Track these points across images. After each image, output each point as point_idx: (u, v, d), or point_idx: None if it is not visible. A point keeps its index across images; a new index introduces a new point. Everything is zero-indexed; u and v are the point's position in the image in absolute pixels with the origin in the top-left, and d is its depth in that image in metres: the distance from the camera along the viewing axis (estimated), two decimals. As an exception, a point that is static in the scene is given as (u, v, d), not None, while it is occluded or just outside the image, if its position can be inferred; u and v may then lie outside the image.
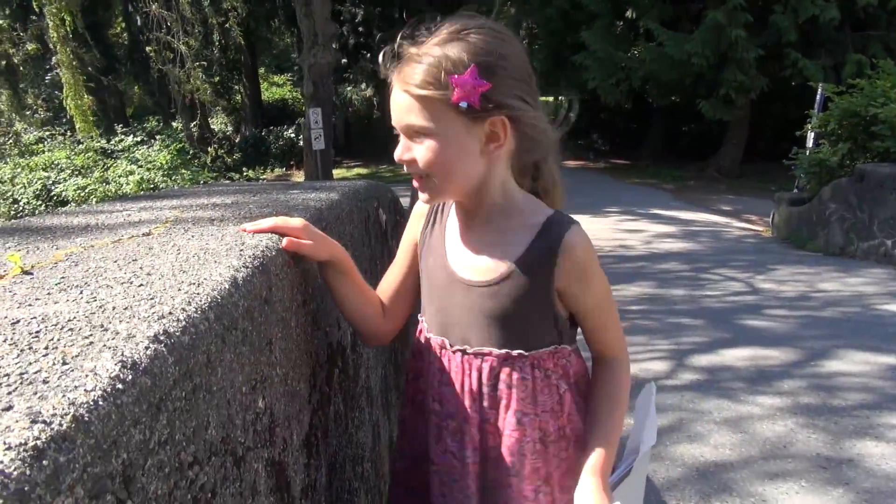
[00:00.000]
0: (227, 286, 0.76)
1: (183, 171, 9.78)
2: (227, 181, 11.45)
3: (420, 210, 1.23)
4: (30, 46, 7.89)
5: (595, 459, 1.07)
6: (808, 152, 9.01)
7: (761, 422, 3.19)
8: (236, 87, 20.21)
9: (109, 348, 0.54)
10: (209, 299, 0.70)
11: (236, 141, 17.80)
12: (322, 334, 1.29)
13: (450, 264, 1.12)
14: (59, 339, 0.56)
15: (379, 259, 2.36)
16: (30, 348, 0.54)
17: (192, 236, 1.04)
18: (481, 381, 1.11)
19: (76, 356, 0.52)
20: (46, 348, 0.54)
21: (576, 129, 21.24)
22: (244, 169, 12.41)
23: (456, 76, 0.94)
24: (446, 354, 1.14)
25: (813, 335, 4.56)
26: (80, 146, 14.13)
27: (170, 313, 0.63)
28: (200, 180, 10.05)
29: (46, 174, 12.90)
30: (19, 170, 13.18)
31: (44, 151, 14.00)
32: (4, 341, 0.56)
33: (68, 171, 12.97)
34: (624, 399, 1.15)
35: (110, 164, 12.90)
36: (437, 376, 1.15)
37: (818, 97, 9.11)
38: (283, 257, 1.01)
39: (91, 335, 0.57)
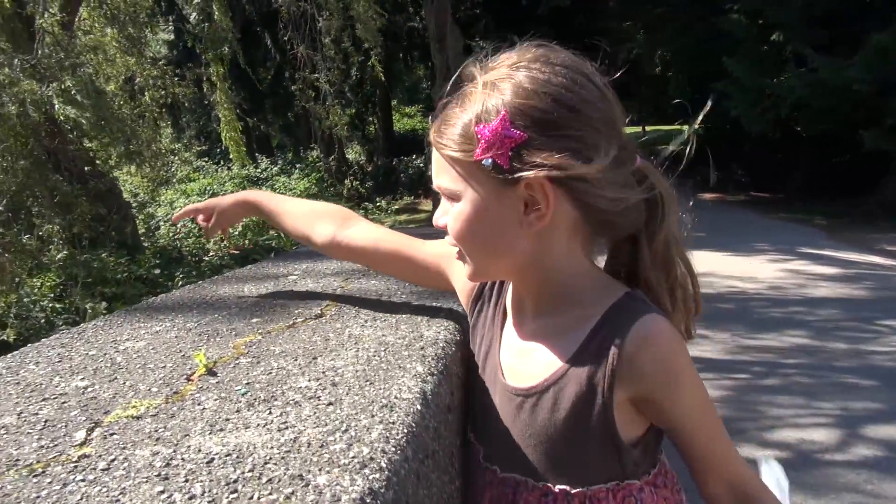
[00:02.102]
0: (418, 406, 0.68)
1: (321, 200, 10.24)
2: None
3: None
4: (186, 90, 8.63)
5: None
6: None
7: (964, 518, 2.73)
8: (370, 118, 21.13)
9: (315, 519, 0.47)
10: (405, 430, 0.62)
11: (368, 170, 18.54)
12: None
13: (498, 357, 0.88)
14: (258, 499, 0.49)
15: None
16: (231, 513, 0.48)
17: (366, 321, 0.98)
18: None
19: (282, 532, 0.45)
20: (248, 513, 0.48)
21: (714, 161, 20.12)
22: (377, 199, 12.83)
23: (482, 126, 0.72)
24: (482, 468, 0.88)
25: None
26: (229, 173, 15.35)
27: (371, 458, 0.55)
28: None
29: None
30: (177, 195, 14.50)
31: (198, 179, 15.33)
32: (203, 495, 0.50)
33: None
34: None
35: (255, 192, 13.81)
36: (475, 489, 0.90)
37: None
38: (462, 351, 0.93)
39: (292, 493, 0.50)
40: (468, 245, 0.80)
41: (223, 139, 9.41)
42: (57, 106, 5.27)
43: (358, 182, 15.58)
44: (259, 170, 15.34)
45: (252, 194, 1.18)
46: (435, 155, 0.80)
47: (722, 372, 4.72)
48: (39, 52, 5.07)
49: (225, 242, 10.45)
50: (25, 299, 5.60)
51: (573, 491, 0.80)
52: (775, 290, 7.85)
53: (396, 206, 14.76)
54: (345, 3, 8.19)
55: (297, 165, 15.82)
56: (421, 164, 18.16)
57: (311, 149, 13.54)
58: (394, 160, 18.76)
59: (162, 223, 12.60)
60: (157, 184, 11.42)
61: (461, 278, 0.95)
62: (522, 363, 0.84)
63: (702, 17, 15.68)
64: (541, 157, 0.71)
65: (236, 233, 10.76)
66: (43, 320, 5.04)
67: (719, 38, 14.66)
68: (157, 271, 8.03)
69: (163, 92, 8.09)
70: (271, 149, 17.90)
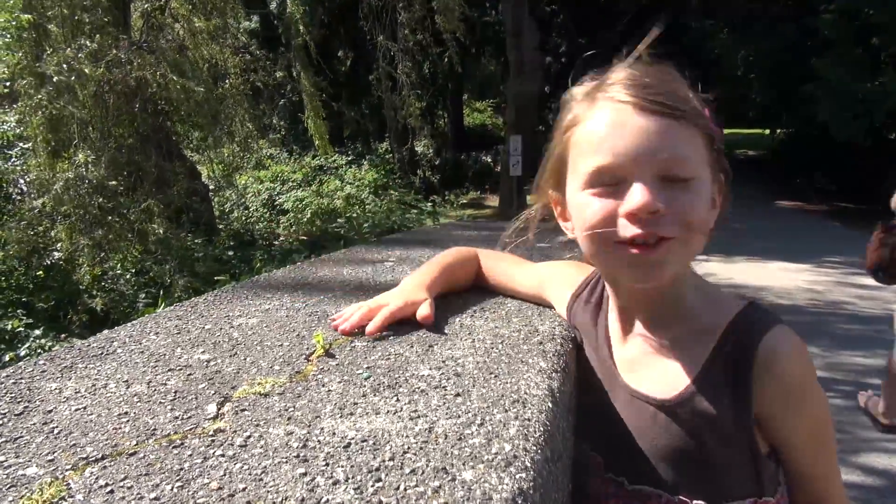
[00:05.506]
0: (549, 405, 0.64)
1: (391, 191, 10.36)
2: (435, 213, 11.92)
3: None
4: (266, 78, 8.83)
5: None
6: None
7: None
8: (440, 112, 21.16)
9: (470, 518, 0.44)
10: (541, 428, 0.58)
11: (436, 164, 18.59)
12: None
13: (613, 360, 0.83)
14: (405, 490, 0.47)
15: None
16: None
17: (475, 312, 0.95)
18: None
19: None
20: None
21: (795, 167, 19.20)
22: (446, 192, 12.83)
23: (708, 113, 0.77)
24: (604, 478, 0.83)
25: None
26: (299, 161, 15.69)
27: (514, 456, 0.52)
28: (408, 201, 10.60)
29: (273, 185, 14.45)
30: (252, 181, 14.92)
31: (270, 166, 15.73)
32: (347, 481, 0.48)
33: (290, 184, 14.43)
34: None
35: (325, 180, 14.11)
36: (595, 501, 0.85)
37: None
38: (577, 350, 0.89)
39: (439, 487, 0.47)
40: (699, 237, 0.72)
41: (308, 127, 9.60)
42: (154, 86, 5.48)
43: (428, 174, 15.67)
44: (330, 160, 15.61)
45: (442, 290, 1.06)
46: (662, 125, 0.70)
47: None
48: (144, 35, 5.29)
49: (294, 228, 10.66)
50: (110, 272, 5.88)
51: None
52: (858, 307, 7.43)
53: (463, 201, 14.75)
54: (426, -6, 8.21)
55: (367, 156, 16.02)
56: (489, 160, 18.08)
57: (385, 140, 13.69)
58: (462, 154, 18.74)
59: (235, 207, 13.00)
60: (233, 168, 11.77)
61: (560, 297, 0.94)
62: (644, 373, 0.80)
63: (791, 16, 14.97)
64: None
65: (305, 220, 10.98)
66: (128, 292, 5.27)
67: (808, 39, 13.97)
68: (231, 253, 8.29)
69: (248, 78, 8.32)
70: (342, 139, 18.20)
